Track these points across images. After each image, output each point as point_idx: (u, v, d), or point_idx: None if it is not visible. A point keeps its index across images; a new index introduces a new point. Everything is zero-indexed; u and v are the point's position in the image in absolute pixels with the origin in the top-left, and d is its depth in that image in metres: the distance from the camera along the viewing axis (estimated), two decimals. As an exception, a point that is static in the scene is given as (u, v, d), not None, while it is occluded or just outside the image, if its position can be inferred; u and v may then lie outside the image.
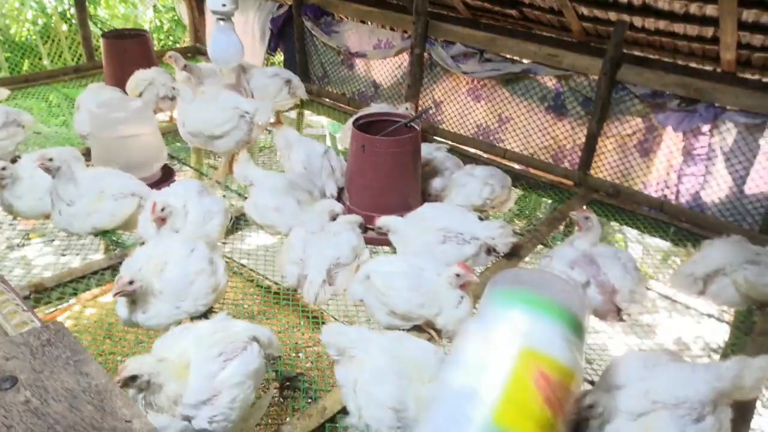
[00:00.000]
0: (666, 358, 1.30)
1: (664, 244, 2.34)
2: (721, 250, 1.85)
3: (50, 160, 1.88)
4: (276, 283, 1.92)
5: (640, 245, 2.60)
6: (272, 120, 3.36)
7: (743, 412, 1.38)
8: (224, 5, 2.19)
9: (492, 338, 0.48)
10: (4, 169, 1.96)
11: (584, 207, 2.29)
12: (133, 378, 1.13)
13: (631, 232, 2.48)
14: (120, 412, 0.83)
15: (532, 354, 0.46)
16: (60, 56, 5.60)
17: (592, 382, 1.49)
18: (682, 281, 1.88)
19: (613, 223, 2.57)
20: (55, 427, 0.81)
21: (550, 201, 2.50)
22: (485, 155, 2.81)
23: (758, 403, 1.46)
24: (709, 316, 1.95)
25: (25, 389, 0.88)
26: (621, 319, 1.78)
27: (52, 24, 5.70)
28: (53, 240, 2.91)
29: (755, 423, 1.43)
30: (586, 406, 1.23)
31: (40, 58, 5.59)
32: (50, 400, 0.86)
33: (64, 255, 2.24)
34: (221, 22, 2.26)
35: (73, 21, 5.46)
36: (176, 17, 5.97)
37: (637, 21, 2.30)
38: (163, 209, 1.74)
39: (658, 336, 2.59)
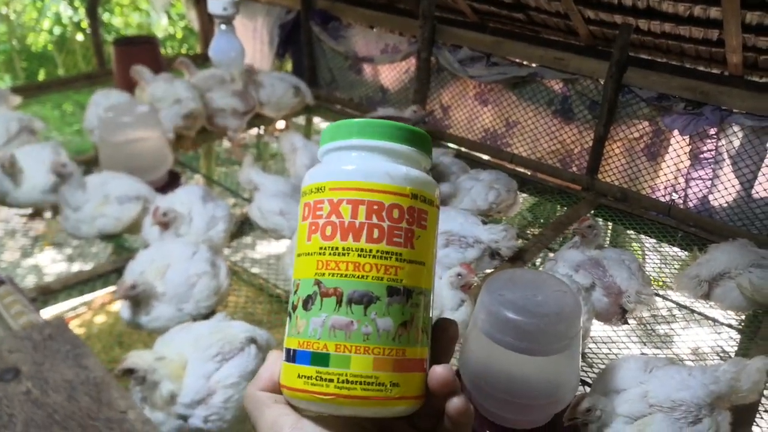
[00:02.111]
0: (664, 361, 1.29)
1: (682, 253, 2.32)
2: (726, 253, 1.83)
3: (64, 166, 1.92)
4: (286, 291, 1.93)
5: (657, 254, 2.59)
6: (281, 126, 3.40)
7: (744, 416, 1.36)
8: (225, 9, 2.22)
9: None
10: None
11: (588, 214, 2.28)
12: (130, 371, 1.15)
13: (649, 241, 2.46)
14: (116, 403, 0.85)
15: (302, 193, 0.45)
16: (75, 66, 5.71)
17: (590, 384, 1.48)
18: (686, 284, 1.87)
19: (628, 231, 2.56)
20: (53, 416, 0.83)
21: (565, 208, 2.49)
22: (493, 160, 2.81)
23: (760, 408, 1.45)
24: (729, 326, 1.94)
25: (26, 380, 0.90)
26: (625, 322, 1.77)
27: (68, 34, 5.81)
28: (62, 244, 2.95)
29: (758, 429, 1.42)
30: (584, 410, 1.22)
31: (55, 67, 5.69)
32: (50, 390, 0.88)
33: (73, 261, 2.27)
34: (222, 26, 2.29)
35: (88, 30, 5.59)
36: (189, 26, 6.06)
37: (643, 24, 2.30)
38: (165, 214, 1.76)
39: (675, 345, 2.57)
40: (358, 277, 0.42)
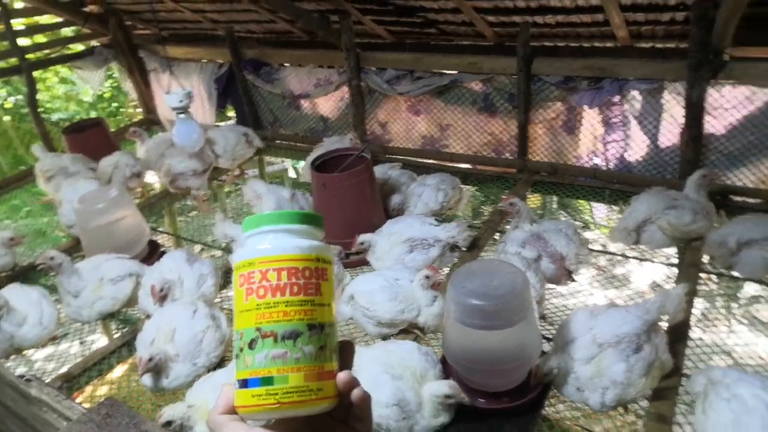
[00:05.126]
0: (605, 306, 1.56)
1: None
2: (645, 202, 2.13)
3: (51, 258, 2.08)
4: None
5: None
6: (236, 173, 3.59)
7: (678, 332, 1.67)
8: (181, 101, 2.43)
9: None
10: None
11: (510, 194, 2.55)
12: (168, 423, 1.36)
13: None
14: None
15: (235, 268, 0.61)
16: (8, 148, 5.68)
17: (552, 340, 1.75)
18: (618, 235, 2.16)
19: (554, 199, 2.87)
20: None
21: (507, 191, 2.76)
22: (435, 162, 3.08)
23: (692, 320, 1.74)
24: (670, 265, 2.22)
25: (103, 453, 1.10)
26: (573, 280, 2.05)
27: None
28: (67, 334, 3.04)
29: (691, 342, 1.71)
30: (543, 375, 1.48)
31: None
32: (126, 456, 1.08)
33: (83, 343, 2.38)
34: (181, 115, 2.49)
35: (16, 112, 5.60)
36: (116, 84, 6.12)
37: (539, 19, 2.59)
38: (161, 289, 1.93)
39: (633, 284, 2.88)
40: (286, 321, 0.59)
